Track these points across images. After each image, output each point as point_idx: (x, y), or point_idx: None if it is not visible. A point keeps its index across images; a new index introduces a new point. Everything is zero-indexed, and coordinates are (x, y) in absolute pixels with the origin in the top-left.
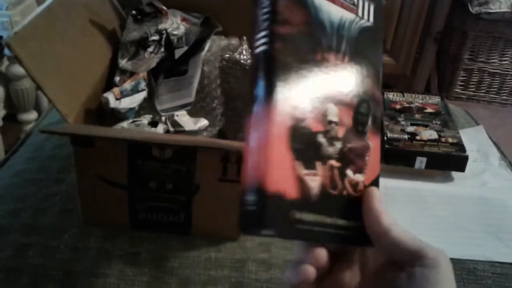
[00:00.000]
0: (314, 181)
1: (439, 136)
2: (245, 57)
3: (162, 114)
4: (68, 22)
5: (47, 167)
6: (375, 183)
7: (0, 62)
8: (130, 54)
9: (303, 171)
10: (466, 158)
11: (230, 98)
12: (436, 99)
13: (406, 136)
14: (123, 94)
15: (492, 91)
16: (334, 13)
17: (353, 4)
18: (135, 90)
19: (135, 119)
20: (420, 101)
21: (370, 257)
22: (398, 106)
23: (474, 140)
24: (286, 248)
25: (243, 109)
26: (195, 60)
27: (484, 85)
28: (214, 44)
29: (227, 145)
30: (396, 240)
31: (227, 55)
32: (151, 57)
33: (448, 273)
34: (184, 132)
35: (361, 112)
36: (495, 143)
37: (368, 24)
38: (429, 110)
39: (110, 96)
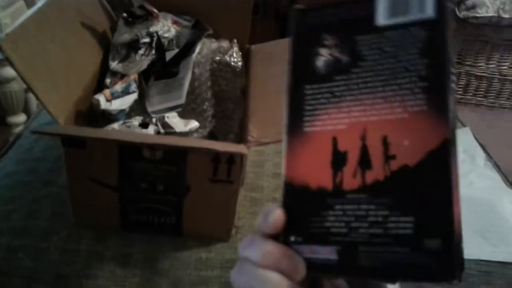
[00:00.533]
0: None
1: None
2: (235, 59)
3: (153, 115)
4: (59, 24)
5: (37, 169)
6: None
7: None
8: (121, 56)
9: None
10: None
11: (221, 100)
12: None
13: None
14: (114, 96)
15: (479, 94)
16: None
17: None
18: (126, 92)
19: (126, 121)
20: None
21: None
22: None
23: (461, 141)
24: None
25: (233, 110)
26: (186, 62)
27: (471, 88)
28: (204, 47)
29: (217, 146)
30: None
31: (217, 58)
32: (142, 59)
33: None
34: (175, 133)
35: None
36: (481, 145)
37: None
38: None
39: (101, 98)
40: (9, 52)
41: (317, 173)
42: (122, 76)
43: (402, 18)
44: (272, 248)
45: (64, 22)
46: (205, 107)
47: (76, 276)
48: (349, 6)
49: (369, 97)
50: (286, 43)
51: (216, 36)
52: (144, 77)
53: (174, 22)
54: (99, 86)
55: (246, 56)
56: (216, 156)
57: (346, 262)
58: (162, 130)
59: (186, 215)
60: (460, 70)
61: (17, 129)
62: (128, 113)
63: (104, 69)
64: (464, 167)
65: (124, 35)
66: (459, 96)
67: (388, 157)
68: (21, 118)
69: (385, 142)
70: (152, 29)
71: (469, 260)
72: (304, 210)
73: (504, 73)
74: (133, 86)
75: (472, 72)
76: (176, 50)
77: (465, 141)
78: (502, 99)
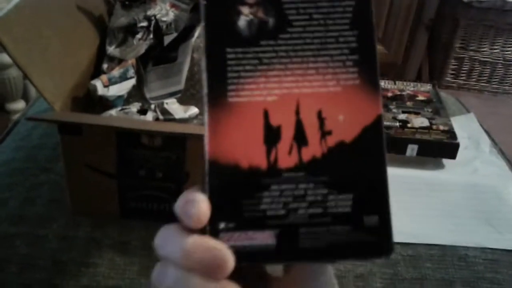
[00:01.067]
0: None
1: (431, 123)
2: None
3: (152, 102)
4: (55, 8)
5: (35, 156)
6: None
7: None
8: (118, 40)
9: None
10: (457, 146)
11: None
12: (427, 87)
13: (397, 124)
14: (111, 82)
15: (483, 79)
16: None
17: None
18: (123, 78)
19: (124, 107)
20: (412, 88)
21: None
22: (389, 94)
23: (465, 127)
24: None
25: None
26: (185, 47)
27: (474, 73)
28: None
29: None
30: None
31: None
32: (140, 44)
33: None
34: (174, 120)
35: None
36: (486, 131)
37: None
38: (420, 97)
39: (98, 84)
40: (2, 36)
41: (248, 150)
42: (120, 61)
43: None
44: (193, 245)
45: (60, 5)
46: None
47: (74, 263)
48: None
49: (300, 67)
50: None
51: None
52: (142, 62)
53: (173, 6)
54: (96, 72)
55: None
56: None
57: (286, 246)
58: (161, 117)
59: None
60: (464, 55)
61: (16, 116)
62: (126, 99)
63: (101, 54)
64: (468, 153)
65: (121, 19)
66: (462, 82)
67: (324, 133)
68: (20, 104)
69: (320, 117)
70: (149, 12)
71: (475, 248)
72: (235, 193)
73: (508, 58)
74: (131, 72)
75: (475, 57)
76: (175, 34)
77: (470, 128)
78: (506, 84)
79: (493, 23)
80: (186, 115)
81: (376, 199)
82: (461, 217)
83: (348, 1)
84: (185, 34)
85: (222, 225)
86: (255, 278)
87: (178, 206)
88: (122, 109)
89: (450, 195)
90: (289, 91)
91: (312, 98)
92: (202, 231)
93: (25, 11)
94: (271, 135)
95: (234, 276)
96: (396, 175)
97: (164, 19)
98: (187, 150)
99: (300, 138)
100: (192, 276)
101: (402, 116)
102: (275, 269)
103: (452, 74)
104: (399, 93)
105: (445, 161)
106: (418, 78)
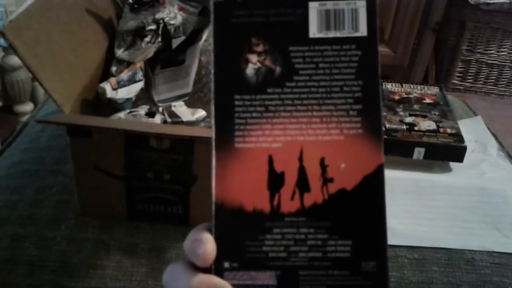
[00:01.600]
0: None
1: (438, 126)
2: None
3: (160, 104)
4: (64, 11)
5: (43, 158)
6: None
7: None
8: (126, 43)
9: None
10: (464, 149)
11: None
12: (434, 90)
13: (404, 127)
14: (120, 84)
15: (490, 82)
16: None
17: None
18: (132, 80)
19: (132, 110)
20: (419, 91)
21: None
22: (396, 97)
23: (473, 130)
24: None
25: None
26: (193, 50)
27: (481, 76)
28: (211, 34)
29: None
30: None
31: None
32: (148, 47)
33: None
34: (182, 122)
35: None
36: (493, 134)
37: None
38: (427, 100)
39: (107, 86)
40: (13, 39)
41: (252, 194)
42: (128, 64)
43: (336, 33)
44: (199, 284)
45: (69, 8)
46: None
47: (82, 265)
48: (280, 8)
49: (305, 115)
50: None
51: None
52: (150, 65)
53: (181, 9)
54: (105, 74)
55: None
56: None
57: (286, 287)
58: (169, 119)
59: (193, 205)
60: (471, 58)
61: (24, 118)
62: (135, 102)
63: (109, 57)
64: (475, 157)
65: (129, 22)
66: (469, 85)
67: (326, 180)
68: (28, 107)
69: (322, 164)
70: (158, 16)
71: (482, 252)
72: (239, 234)
73: None
74: (139, 75)
75: (482, 59)
76: (183, 38)
77: (477, 131)
78: None
79: (500, 25)
80: (194, 117)
81: (375, 246)
82: (468, 221)
83: (355, 50)
84: (193, 37)
85: (226, 265)
86: None
87: (186, 244)
88: (130, 112)
89: (457, 198)
90: (294, 138)
91: (315, 146)
92: (207, 269)
93: (35, 15)
94: (275, 181)
95: None
96: (402, 178)
97: (172, 22)
98: (194, 153)
99: (302, 184)
100: None
101: (409, 119)
102: None
103: (459, 76)
104: (406, 96)
105: (452, 164)
106: (425, 81)
